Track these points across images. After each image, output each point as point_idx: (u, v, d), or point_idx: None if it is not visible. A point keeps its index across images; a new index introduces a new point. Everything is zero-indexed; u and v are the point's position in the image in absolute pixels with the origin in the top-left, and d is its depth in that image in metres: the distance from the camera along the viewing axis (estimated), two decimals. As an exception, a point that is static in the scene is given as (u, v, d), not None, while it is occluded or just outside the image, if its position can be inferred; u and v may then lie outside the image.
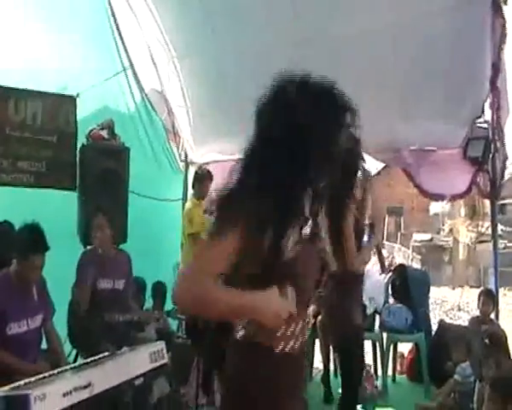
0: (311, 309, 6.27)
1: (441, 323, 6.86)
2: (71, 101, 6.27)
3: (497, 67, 5.54)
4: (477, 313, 6.49)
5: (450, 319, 10.39)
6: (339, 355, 4.38)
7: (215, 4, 6.31)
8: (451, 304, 13.35)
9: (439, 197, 7.10)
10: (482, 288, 6.56)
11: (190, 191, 7.05)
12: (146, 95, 7.45)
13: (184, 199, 7.68)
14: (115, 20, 6.85)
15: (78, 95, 6.24)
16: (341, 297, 4.00)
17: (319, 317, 6.10)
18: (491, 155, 6.14)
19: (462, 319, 6.95)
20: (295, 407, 2.11)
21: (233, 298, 1.87)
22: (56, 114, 6.19)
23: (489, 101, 6.03)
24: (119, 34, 6.93)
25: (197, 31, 6.63)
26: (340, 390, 4.48)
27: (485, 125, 6.21)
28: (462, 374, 5.32)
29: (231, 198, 1.93)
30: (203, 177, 6.68)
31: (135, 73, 7.22)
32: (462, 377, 5.30)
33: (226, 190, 1.96)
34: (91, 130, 6.14)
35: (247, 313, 1.91)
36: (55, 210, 5.60)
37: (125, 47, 7.03)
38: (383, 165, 8.08)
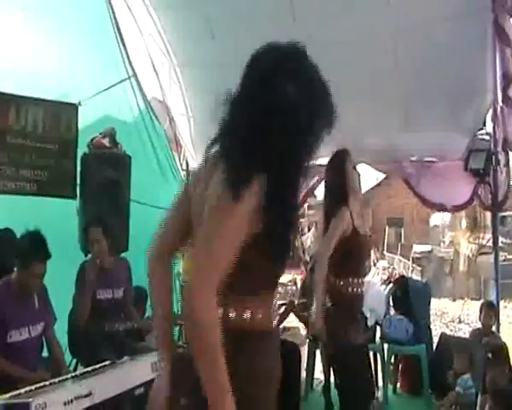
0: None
1: (442, 335, 6.85)
2: (73, 108, 6.26)
3: (509, 77, 5.52)
4: (478, 325, 6.47)
5: (451, 330, 10.34)
6: (336, 374, 4.24)
7: (215, 11, 6.32)
8: (452, 316, 13.32)
9: (440, 207, 7.11)
10: (483, 300, 6.54)
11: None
12: (149, 103, 7.45)
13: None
14: (118, 28, 6.85)
15: (79, 103, 6.25)
16: (339, 316, 3.86)
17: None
18: (492, 167, 6.15)
19: (463, 331, 6.93)
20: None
21: (220, 378, 1.62)
22: (58, 121, 6.15)
23: (491, 112, 6.06)
24: (122, 42, 6.93)
25: (198, 38, 6.64)
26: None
27: (487, 137, 6.23)
28: (464, 386, 5.32)
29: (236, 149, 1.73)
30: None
31: (138, 81, 7.22)
32: (463, 389, 5.30)
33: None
34: (93, 138, 6.14)
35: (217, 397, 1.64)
36: (56, 218, 5.58)
37: (127, 55, 7.03)
38: (384, 176, 8.08)
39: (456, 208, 7.14)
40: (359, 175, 4.14)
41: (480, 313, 6.10)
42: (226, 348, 1.62)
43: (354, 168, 4.04)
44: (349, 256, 3.82)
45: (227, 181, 1.67)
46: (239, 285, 1.74)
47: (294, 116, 1.76)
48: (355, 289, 3.89)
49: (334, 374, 4.25)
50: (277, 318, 1.79)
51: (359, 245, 3.93)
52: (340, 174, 3.99)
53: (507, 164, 6.01)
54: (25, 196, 5.84)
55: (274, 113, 1.74)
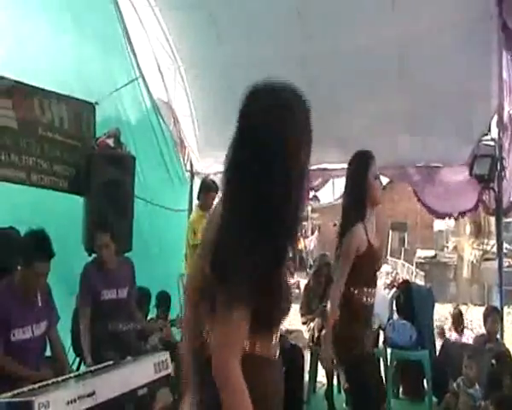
0: (316, 323, 6.26)
1: (445, 340, 6.82)
2: (90, 107, 6.26)
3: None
4: (481, 330, 6.45)
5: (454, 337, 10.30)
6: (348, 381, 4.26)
7: (221, 14, 6.33)
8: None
9: (445, 216, 7.10)
10: (487, 305, 6.51)
11: (196, 202, 7.05)
12: (156, 104, 7.47)
13: (190, 210, 7.68)
14: (125, 29, 6.86)
15: (96, 102, 6.26)
16: (351, 324, 3.86)
17: (323, 331, 6.07)
18: (497, 173, 6.14)
19: (466, 337, 6.88)
20: None
21: None
22: (80, 119, 6.13)
23: (496, 118, 6.06)
24: (130, 43, 6.95)
25: (203, 40, 6.66)
26: (343, 405, 4.44)
27: (492, 143, 6.22)
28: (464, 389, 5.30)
29: (231, 268, 1.80)
30: (208, 188, 6.68)
31: (145, 82, 7.23)
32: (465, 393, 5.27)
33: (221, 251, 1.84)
34: (97, 138, 6.15)
35: None
36: (60, 216, 5.59)
37: (135, 56, 7.05)
38: (387, 180, 8.06)
39: (462, 215, 7.12)
40: (381, 184, 4.12)
41: (485, 318, 6.07)
42: None
43: (376, 177, 3.96)
44: (362, 268, 3.85)
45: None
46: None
47: (284, 163, 1.82)
48: (367, 299, 3.92)
49: (346, 380, 4.24)
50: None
51: (372, 258, 3.94)
52: (359, 185, 3.92)
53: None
54: (60, 192, 5.81)
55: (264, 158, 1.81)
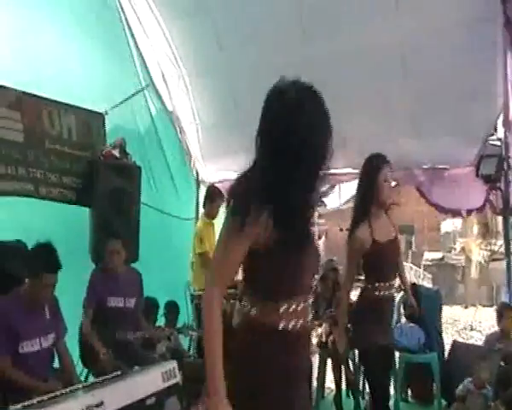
0: (323, 328, 6.24)
1: (454, 343, 6.79)
2: (100, 117, 6.26)
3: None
4: (490, 331, 6.39)
5: (463, 338, 10.27)
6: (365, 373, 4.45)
7: (223, 21, 6.35)
8: (464, 323, 13.23)
9: (453, 212, 7.07)
10: (500, 303, 6.38)
11: (201, 210, 7.05)
12: (163, 112, 7.47)
13: (196, 218, 7.68)
14: (133, 38, 6.88)
15: (106, 112, 6.27)
16: (366, 317, 4.04)
17: (331, 336, 6.05)
18: (504, 173, 6.12)
19: (475, 339, 6.85)
20: (299, 389, 2.24)
21: (212, 359, 2.02)
22: (89, 129, 6.12)
23: (502, 118, 6.04)
24: (138, 51, 6.95)
25: (207, 48, 6.68)
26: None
27: (498, 143, 6.20)
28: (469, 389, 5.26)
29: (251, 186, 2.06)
30: (214, 196, 6.68)
31: (154, 90, 7.26)
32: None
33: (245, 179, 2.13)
34: (102, 149, 6.15)
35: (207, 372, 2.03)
36: (67, 227, 5.59)
37: (144, 64, 7.06)
38: (394, 183, 8.02)
39: (470, 212, 7.09)
40: (391, 185, 4.20)
41: (499, 316, 5.99)
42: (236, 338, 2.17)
43: (387, 180, 4.07)
44: (372, 264, 4.07)
45: (229, 209, 2.12)
46: (253, 285, 2.18)
47: (305, 150, 2.05)
48: (382, 292, 4.07)
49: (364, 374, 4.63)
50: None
51: (381, 253, 4.06)
52: (368, 186, 4.10)
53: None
54: (67, 204, 5.80)
55: (287, 147, 2.04)
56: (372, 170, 4.08)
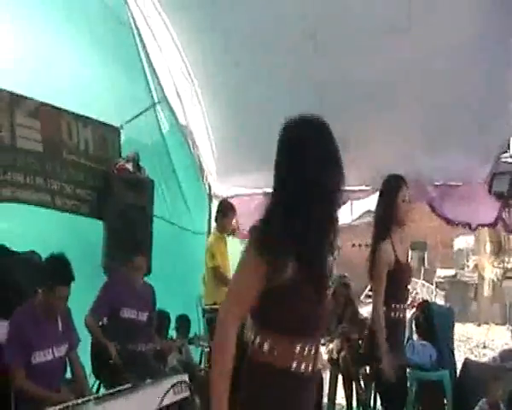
0: (335, 345, 6.23)
1: (466, 360, 6.74)
2: (115, 131, 6.33)
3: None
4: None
5: (475, 356, 10.19)
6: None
7: (238, 37, 6.38)
8: (476, 341, 13.11)
9: (464, 225, 7.03)
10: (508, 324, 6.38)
11: (214, 224, 7.07)
12: (178, 127, 7.52)
13: (208, 232, 7.70)
14: (146, 51, 6.92)
15: (121, 126, 6.32)
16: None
17: (342, 352, 6.04)
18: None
19: (488, 357, 6.79)
20: None
21: (218, 387, 2.02)
22: (105, 142, 6.19)
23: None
24: (151, 65, 6.99)
25: (220, 64, 6.69)
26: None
27: (511, 160, 6.18)
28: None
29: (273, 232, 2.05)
30: (226, 211, 6.70)
31: (167, 105, 7.30)
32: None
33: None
34: (116, 162, 6.21)
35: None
36: (80, 238, 5.64)
37: (157, 78, 7.10)
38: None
39: (481, 226, 7.07)
40: (409, 204, 4.24)
41: None
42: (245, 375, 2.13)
43: (405, 200, 4.17)
44: (393, 284, 4.09)
45: (250, 241, 2.12)
46: (267, 319, 2.12)
47: (319, 184, 2.09)
48: (397, 314, 4.13)
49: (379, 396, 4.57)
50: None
51: (401, 274, 4.15)
52: (387, 206, 4.20)
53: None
54: (82, 216, 5.86)
55: (302, 180, 2.09)
56: (391, 190, 4.17)
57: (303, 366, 2.10)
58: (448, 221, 6.82)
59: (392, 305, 4.09)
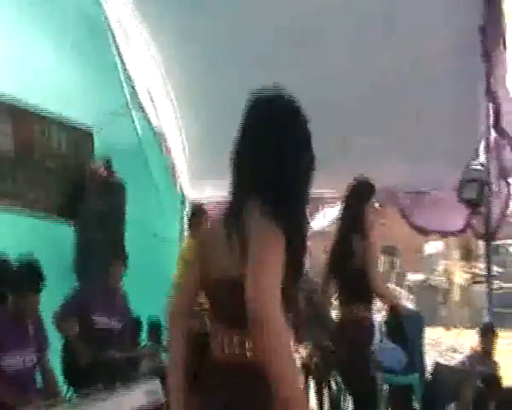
0: (307, 351, 6.24)
1: (436, 364, 6.81)
2: (89, 135, 6.28)
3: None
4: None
5: (445, 360, 10.28)
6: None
7: (213, 41, 6.38)
8: (446, 345, 13.25)
9: (434, 234, 7.14)
10: (484, 322, 6.42)
11: (186, 228, 7.04)
12: (151, 130, 7.49)
13: (180, 237, 7.66)
14: (120, 54, 6.89)
15: (95, 130, 6.27)
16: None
17: (314, 359, 6.06)
18: (485, 197, 6.19)
19: (457, 361, 6.87)
20: None
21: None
22: (78, 146, 6.16)
23: (483, 143, 6.14)
24: (125, 69, 6.96)
25: (194, 67, 6.70)
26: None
27: (480, 168, 6.28)
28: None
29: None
30: (198, 216, 6.66)
31: (140, 109, 7.27)
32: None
33: None
34: (89, 166, 6.16)
35: None
36: (51, 243, 5.58)
37: (132, 82, 7.07)
38: (377, 204, 8.07)
39: (451, 234, 7.17)
40: (375, 211, 4.25)
41: (482, 335, 6.00)
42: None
43: (373, 206, 4.24)
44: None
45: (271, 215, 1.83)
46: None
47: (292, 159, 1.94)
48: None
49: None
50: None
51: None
52: (352, 215, 4.20)
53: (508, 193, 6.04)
54: (53, 220, 5.81)
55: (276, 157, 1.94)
56: (359, 200, 4.15)
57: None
58: (419, 230, 6.89)
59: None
